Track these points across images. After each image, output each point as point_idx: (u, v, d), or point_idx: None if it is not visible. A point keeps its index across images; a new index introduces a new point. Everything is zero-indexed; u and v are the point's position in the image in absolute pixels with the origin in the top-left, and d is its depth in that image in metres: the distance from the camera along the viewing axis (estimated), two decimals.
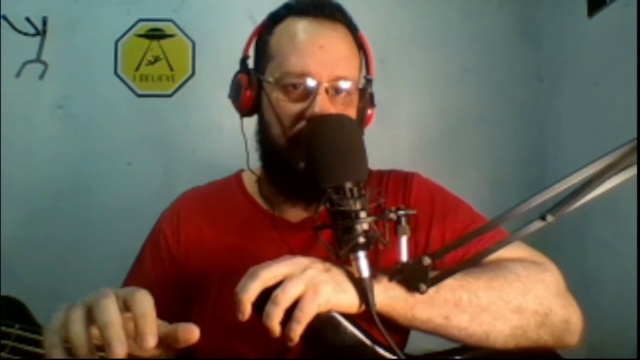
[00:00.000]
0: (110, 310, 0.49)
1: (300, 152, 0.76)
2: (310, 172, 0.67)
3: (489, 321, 0.67)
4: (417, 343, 0.79)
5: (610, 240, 1.62)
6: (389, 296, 0.64)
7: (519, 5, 2.09)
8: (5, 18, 1.87)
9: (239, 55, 0.87)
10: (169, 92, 1.98)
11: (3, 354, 0.55)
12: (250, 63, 0.87)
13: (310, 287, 0.60)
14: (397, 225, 0.63)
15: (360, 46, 0.85)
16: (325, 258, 0.66)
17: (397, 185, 0.89)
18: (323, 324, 0.62)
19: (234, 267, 0.67)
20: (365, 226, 0.62)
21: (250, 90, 0.82)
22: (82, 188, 1.90)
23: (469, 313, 0.67)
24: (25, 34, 1.90)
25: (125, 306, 0.51)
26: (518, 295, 0.69)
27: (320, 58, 0.77)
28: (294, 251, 0.68)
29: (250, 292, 0.59)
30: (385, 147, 1.82)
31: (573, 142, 1.86)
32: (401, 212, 0.62)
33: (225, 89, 0.89)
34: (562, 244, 1.68)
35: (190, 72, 1.99)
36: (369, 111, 0.86)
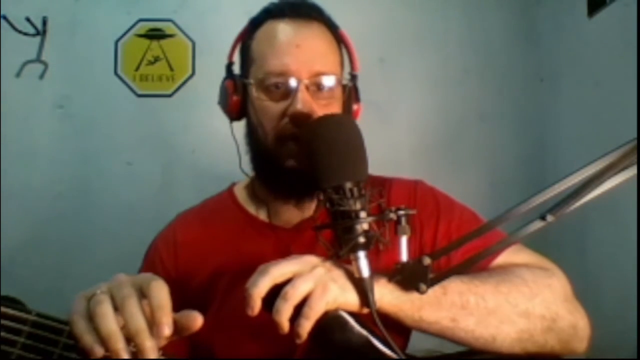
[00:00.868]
0: (139, 317, 0.51)
1: (289, 150, 0.78)
2: (309, 172, 0.67)
3: (496, 324, 0.67)
4: (417, 343, 0.79)
5: (610, 240, 1.62)
6: (395, 297, 0.64)
7: (519, 5, 2.09)
8: (5, 18, 1.87)
9: (238, 56, 0.88)
10: (169, 92, 1.98)
11: (21, 340, 0.55)
12: (237, 69, 0.89)
13: (319, 285, 0.61)
14: (397, 225, 0.63)
15: (341, 43, 0.86)
16: (324, 260, 0.66)
17: (401, 190, 0.89)
18: (330, 322, 0.62)
19: (235, 276, 0.67)
20: (365, 226, 0.62)
21: (236, 95, 0.84)
22: (82, 188, 1.90)
23: (476, 316, 0.67)
24: (25, 34, 1.90)
25: (142, 293, 0.54)
26: (525, 299, 0.69)
27: (298, 56, 0.79)
28: (294, 255, 0.68)
29: (260, 287, 0.60)
30: (385, 147, 1.82)
31: (573, 142, 1.86)
32: (401, 212, 0.62)
33: None
34: (562, 244, 1.68)
35: (190, 72, 1.99)
36: (355, 106, 0.87)
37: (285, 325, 0.60)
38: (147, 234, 0.93)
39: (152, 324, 0.52)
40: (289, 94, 0.79)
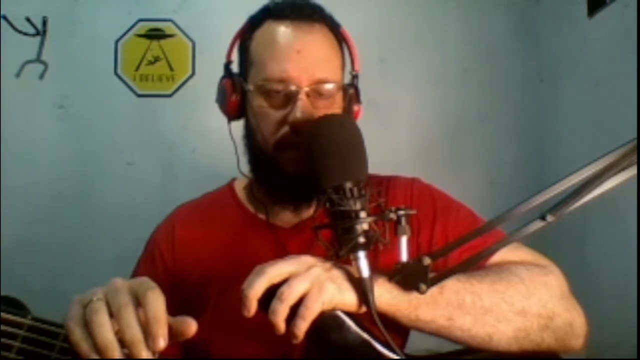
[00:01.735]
0: (135, 327, 0.51)
1: (288, 157, 0.78)
2: (308, 177, 0.67)
3: (492, 323, 0.67)
4: (417, 343, 0.79)
5: (610, 240, 1.62)
6: (392, 296, 0.64)
7: (519, 5, 2.09)
8: (5, 18, 1.87)
9: (237, 54, 0.88)
10: (169, 92, 1.98)
11: (16, 344, 0.55)
12: (235, 67, 0.88)
13: (315, 285, 0.61)
14: (397, 225, 0.63)
15: (343, 42, 0.85)
16: (320, 259, 0.66)
17: (398, 189, 0.89)
18: (327, 322, 0.62)
19: (233, 275, 0.67)
20: (365, 226, 0.62)
21: (235, 95, 0.83)
22: (82, 188, 1.90)
23: (473, 315, 0.67)
24: (25, 34, 1.90)
25: (138, 301, 0.53)
26: (521, 297, 0.69)
27: (298, 63, 0.78)
28: (291, 255, 0.68)
29: (256, 289, 0.59)
30: (385, 147, 1.82)
31: (573, 141, 1.86)
32: (401, 212, 0.62)
33: None
34: (562, 244, 1.68)
35: (190, 72, 1.99)
36: (355, 108, 0.86)
37: (281, 325, 0.60)
38: (147, 234, 0.93)
39: (147, 334, 0.51)
40: (288, 100, 0.78)
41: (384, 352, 0.65)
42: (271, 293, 0.60)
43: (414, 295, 0.64)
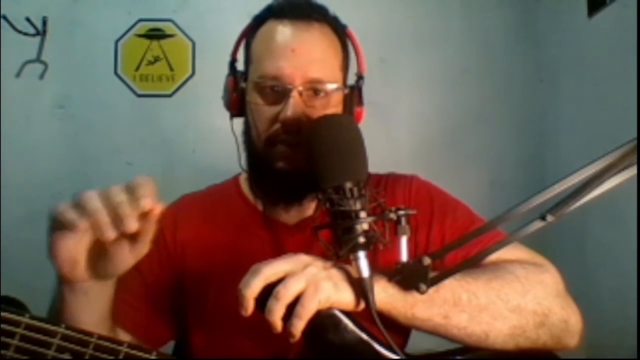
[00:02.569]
0: (121, 194, 0.57)
1: (279, 152, 0.79)
2: (299, 174, 0.67)
3: (488, 321, 0.67)
4: (417, 343, 0.79)
5: (610, 240, 1.62)
6: (388, 295, 0.64)
7: (519, 5, 2.09)
8: (5, 18, 1.87)
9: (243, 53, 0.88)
10: (169, 92, 1.98)
11: (14, 342, 0.56)
12: (241, 65, 0.89)
13: (311, 284, 0.61)
14: (397, 225, 0.63)
15: (347, 44, 0.86)
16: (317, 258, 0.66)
17: (395, 187, 0.89)
18: (324, 320, 0.62)
19: (232, 269, 0.68)
20: (365, 226, 0.62)
21: (236, 93, 0.84)
22: (82, 188, 1.88)
23: (469, 312, 0.67)
24: (25, 34, 1.90)
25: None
26: (517, 295, 0.69)
27: (292, 61, 0.78)
28: (289, 253, 0.68)
29: (253, 288, 0.60)
30: (385, 147, 1.82)
31: (573, 142, 1.86)
32: (401, 212, 0.62)
33: None
34: (562, 244, 1.68)
35: (190, 72, 1.99)
36: (357, 109, 0.86)
37: (278, 324, 0.60)
38: None
39: (134, 199, 0.56)
40: (281, 98, 0.78)
41: (382, 351, 0.65)
42: (268, 292, 0.60)
43: (410, 293, 0.64)
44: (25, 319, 0.56)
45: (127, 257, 0.62)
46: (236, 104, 0.85)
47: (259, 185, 0.87)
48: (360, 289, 0.62)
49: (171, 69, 1.99)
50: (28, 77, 1.90)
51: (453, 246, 0.64)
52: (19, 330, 0.56)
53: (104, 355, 0.58)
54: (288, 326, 0.60)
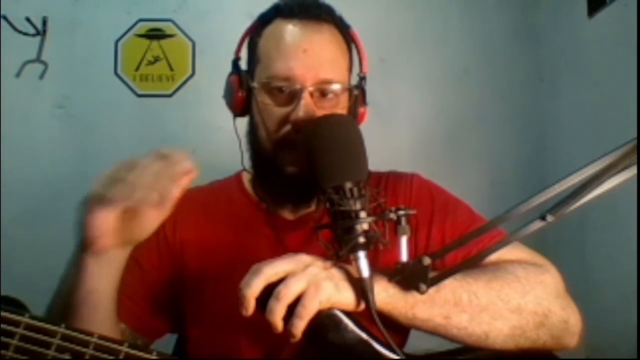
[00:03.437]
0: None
1: (289, 156, 0.78)
2: (308, 177, 0.67)
3: (488, 321, 0.68)
4: (416, 343, 0.79)
5: (610, 240, 1.62)
6: (389, 295, 0.64)
7: (519, 6, 2.09)
8: (5, 18, 1.87)
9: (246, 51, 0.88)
10: (169, 92, 1.98)
11: (13, 342, 0.56)
12: (244, 64, 0.88)
13: (312, 284, 0.61)
14: (397, 225, 0.63)
15: (352, 43, 0.85)
16: (321, 256, 0.66)
17: (397, 186, 0.89)
18: (324, 320, 0.62)
19: (231, 264, 0.68)
20: (365, 226, 0.62)
21: (241, 92, 0.83)
22: (82, 188, 1.89)
23: (469, 313, 0.67)
24: (25, 34, 1.90)
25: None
26: (517, 295, 0.69)
27: (304, 62, 0.78)
28: (289, 250, 0.68)
29: (253, 288, 0.60)
30: (385, 147, 1.82)
31: (573, 142, 1.86)
32: (401, 212, 0.62)
33: None
34: (562, 244, 1.68)
35: (190, 72, 1.99)
36: (361, 110, 0.86)
37: (278, 324, 0.60)
38: None
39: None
40: (292, 99, 0.78)
41: (382, 351, 0.65)
42: (269, 292, 0.60)
43: (411, 293, 0.64)
44: (25, 319, 0.56)
45: (154, 220, 0.65)
46: (240, 103, 0.84)
47: (266, 187, 0.87)
48: (361, 289, 0.62)
49: (171, 69, 1.99)
50: (28, 77, 1.90)
51: (453, 246, 0.64)
52: (19, 330, 0.56)
53: (104, 355, 0.58)
54: (289, 326, 0.60)
